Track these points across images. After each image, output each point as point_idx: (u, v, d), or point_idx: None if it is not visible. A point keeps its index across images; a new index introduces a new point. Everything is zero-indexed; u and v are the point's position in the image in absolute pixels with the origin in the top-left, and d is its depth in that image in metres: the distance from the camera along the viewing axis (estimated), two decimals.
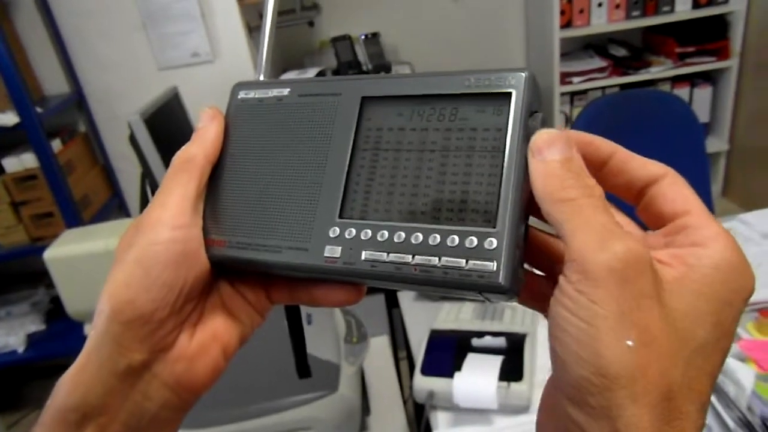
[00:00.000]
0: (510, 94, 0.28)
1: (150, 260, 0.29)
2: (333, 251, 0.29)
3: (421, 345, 1.05)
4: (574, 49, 2.80)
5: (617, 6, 2.54)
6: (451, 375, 0.94)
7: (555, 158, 0.26)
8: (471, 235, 0.26)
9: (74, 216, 1.99)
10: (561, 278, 0.24)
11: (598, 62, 2.67)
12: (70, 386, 0.29)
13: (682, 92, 2.68)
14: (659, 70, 2.60)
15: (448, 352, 1.00)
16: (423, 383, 0.96)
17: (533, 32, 2.80)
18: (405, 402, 1.22)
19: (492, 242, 0.26)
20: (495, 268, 0.25)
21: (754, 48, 2.54)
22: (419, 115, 0.30)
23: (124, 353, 0.28)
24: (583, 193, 0.25)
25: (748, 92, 2.61)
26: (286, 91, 0.34)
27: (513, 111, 0.27)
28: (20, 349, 2.10)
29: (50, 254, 1.46)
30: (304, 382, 0.91)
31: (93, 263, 1.43)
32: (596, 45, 2.79)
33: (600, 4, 2.54)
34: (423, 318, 1.16)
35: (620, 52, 2.70)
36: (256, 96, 0.35)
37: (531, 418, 0.91)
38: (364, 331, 1.10)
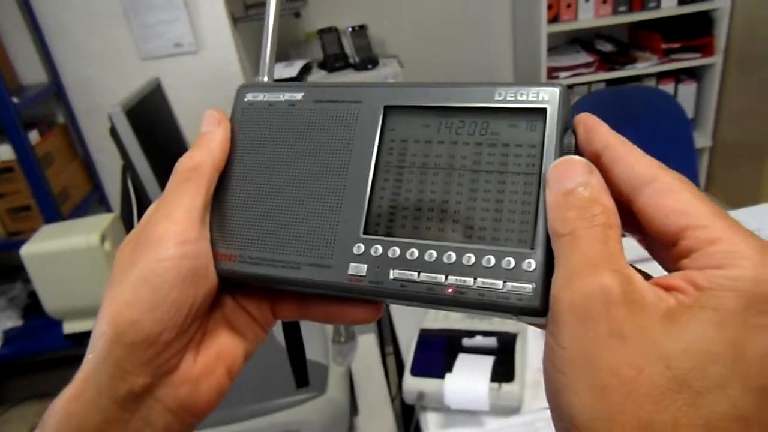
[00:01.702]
0: (545, 110, 0.27)
1: (157, 278, 0.27)
2: (358, 269, 0.28)
3: (409, 343, 1.04)
4: (560, 43, 2.80)
5: (604, 1, 2.54)
6: (441, 375, 0.93)
7: (563, 189, 0.24)
8: (508, 256, 0.25)
9: (52, 210, 1.94)
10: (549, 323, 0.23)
11: (585, 57, 2.67)
12: (62, 415, 0.27)
13: (667, 88, 2.69)
14: (645, 65, 2.61)
15: (438, 352, 0.99)
16: (413, 384, 0.95)
17: (520, 26, 2.79)
18: (392, 400, 1.21)
19: (531, 264, 0.25)
20: (533, 291, 0.25)
21: (738, 45, 2.55)
22: (447, 127, 0.29)
23: (126, 377, 0.26)
24: (584, 224, 0.22)
25: (732, 89, 2.63)
26: (299, 96, 0.32)
27: (548, 127, 0.27)
28: None
29: (27, 250, 1.42)
30: (291, 383, 0.89)
31: (72, 260, 1.40)
32: (583, 40, 2.79)
33: None
34: (411, 316, 1.15)
35: (607, 47, 2.70)
36: (266, 99, 0.33)
37: (522, 420, 0.90)
38: (352, 331, 1.09)
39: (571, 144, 0.26)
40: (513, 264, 0.25)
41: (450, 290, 0.26)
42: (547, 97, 0.27)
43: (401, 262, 0.27)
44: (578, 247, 0.22)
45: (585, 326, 0.20)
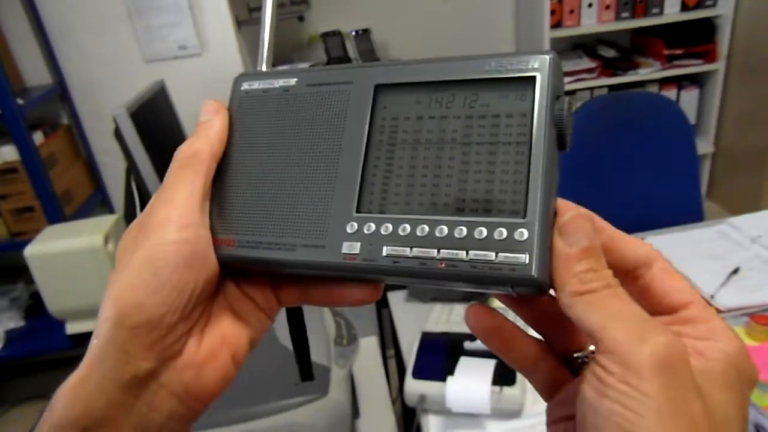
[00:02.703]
0: (534, 78, 0.26)
1: (159, 261, 0.27)
2: (352, 248, 0.28)
3: (411, 346, 1.04)
4: (563, 49, 2.80)
5: (607, 7, 2.55)
6: (443, 378, 0.93)
7: (581, 245, 0.25)
8: (500, 227, 0.25)
9: (56, 211, 1.95)
10: (598, 369, 0.23)
11: (587, 63, 2.67)
12: (69, 399, 0.27)
13: (670, 94, 2.70)
14: (647, 71, 2.62)
15: (439, 355, 0.99)
16: (414, 387, 0.95)
17: (523, 31, 2.80)
18: (394, 403, 1.21)
19: (523, 233, 0.25)
20: (527, 261, 0.24)
21: (741, 51, 2.56)
22: (438, 102, 0.28)
23: (131, 361, 0.27)
24: (606, 284, 0.24)
25: (734, 95, 2.63)
26: (293, 81, 0.32)
27: (538, 95, 0.26)
28: None
29: (31, 251, 1.43)
30: (293, 385, 0.89)
31: (75, 261, 1.40)
32: (585, 45, 2.80)
33: (590, 5, 2.54)
34: (413, 319, 1.15)
35: (609, 53, 2.70)
36: (261, 87, 0.33)
37: (523, 423, 0.91)
38: (354, 333, 1.09)
39: (562, 112, 0.26)
40: (505, 234, 0.25)
41: (442, 264, 0.26)
42: (537, 64, 0.26)
43: (394, 238, 0.27)
44: (613, 305, 0.24)
45: (671, 379, 0.22)
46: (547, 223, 0.25)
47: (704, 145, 2.74)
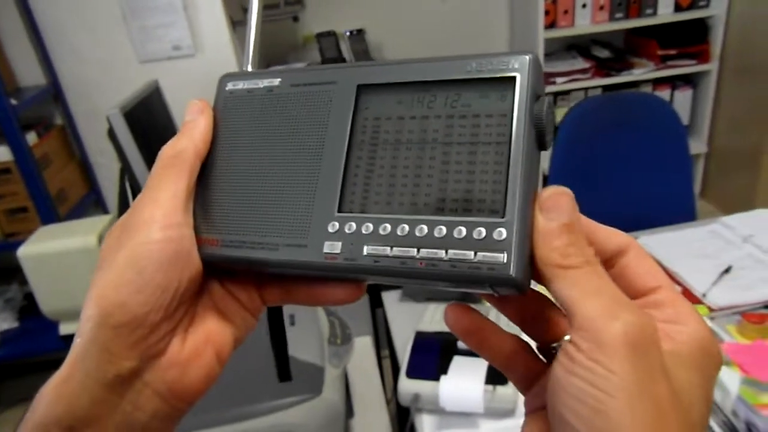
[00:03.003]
0: (514, 78, 0.27)
1: (143, 261, 0.27)
2: (333, 247, 0.28)
3: (405, 346, 1.04)
4: (557, 49, 2.81)
5: (601, 7, 2.56)
6: (436, 378, 0.93)
7: (561, 221, 0.25)
8: (479, 226, 0.25)
9: (49, 211, 1.94)
10: (569, 346, 0.23)
11: (582, 63, 2.68)
12: (52, 397, 0.27)
13: (663, 94, 2.71)
14: (641, 72, 2.63)
15: (433, 354, 1.00)
16: (408, 386, 0.95)
17: (518, 32, 2.81)
18: (388, 403, 1.21)
19: (501, 233, 0.25)
20: (505, 260, 0.24)
21: (734, 52, 2.57)
22: (419, 102, 0.29)
23: (114, 361, 0.27)
24: (586, 260, 0.25)
25: (727, 95, 2.65)
26: (277, 81, 0.32)
27: (518, 95, 0.26)
28: None
29: (25, 251, 1.42)
30: (286, 384, 0.89)
31: (69, 261, 1.40)
32: (579, 46, 2.81)
33: (584, 5, 2.55)
34: (407, 318, 1.15)
35: (603, 53, 2.72)
36: (246, 87, 0.33)
37: (517, 422, 0.91)
38: (349, 333, 1.09)
39: (541, 112, 0.26)
40: (484, 234, 0.25)
41: (422, 263, 0.26)
42: (517, 65, 0.27)
43: (374, 238, 0.27)
44: (590, 281, 0.24)
45: (639, 358, 0.22)
46: (526, 222, 0.25)
47: (697, 145, 2.75)
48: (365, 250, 0.27)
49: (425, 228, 0.26)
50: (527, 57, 0.27)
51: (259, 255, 0.30)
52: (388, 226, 0.27)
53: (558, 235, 0.25)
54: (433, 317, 1.11)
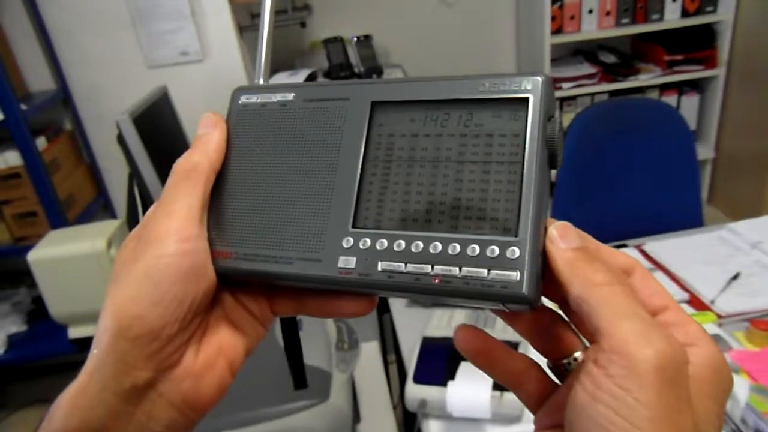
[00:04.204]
0: (527, 99, 0.27)
1: (159, 274, 0.28)
2: (347, 262, 0.28)
3: (412, 351, 1.04)
4: (563, 54, 2.81)
5: (607, 13, 2.56)
6: (443, 383, 0.93)
7: (576, 245, 0.26)
8: (492, 245, 0.26)
9: (58, 216, 1.95)
10: (594, 369, 0.23)
11: (588, 68, 2.68)
12: (68, 409, 0.27)
13: (670, 100, 2.70)
14: (648, 77, 2.62)
15: (440, 359, 1.00)
16: (415, 391, 0.95)
17: (524, 37, 2.81)
18: (394, 407, 1.21)
19: (514, 251, 0.25)
20: (518, 278, 0.25)
21: (741, 57, 2.56)
22: (433, 120, 0.29)
23: (129, 372, 0.27)
24: (616, 278, 0.25)
25: (734, 101, 2.64)
26: (290, 96, 0.33)
27: (531, 116, 0.27)
28: (1, 351, 2.05)
29: (34, 256, 1.43)
30: (293, 389, 0.89)
31: (78, 266, 1.40)
32: (586, 51, 2.81)
33: (591, 11, 2.55)
34: (414, 324, 1.15)
35: (609, 58, 2.71)
36: (259, 101, 0.34)
37: (524, 428, 0.91)
38: (356, 338, 1.09)
39: (554, 132, 0.27)
40: (497, 252, 0.25)
41: (436, 280, 0.26)
42: (530, 86, 0.27)
43: (389, 254, 0.28)
44: (623, 301, 0.24)
45: (669, 390, 0.22)
46: (537, 241, 0.26)
47: (705, 151, 2.74)
48: (380, 265, 0.28)
49: (439, 245, 0.27)
50: (540, 78, 0.27)
51: (273, 268, 0.30)
52: (403, 243, 0.28)
53: (585, 258, 0.25)
54: (440, 322, 1.11)
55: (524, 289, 0.25)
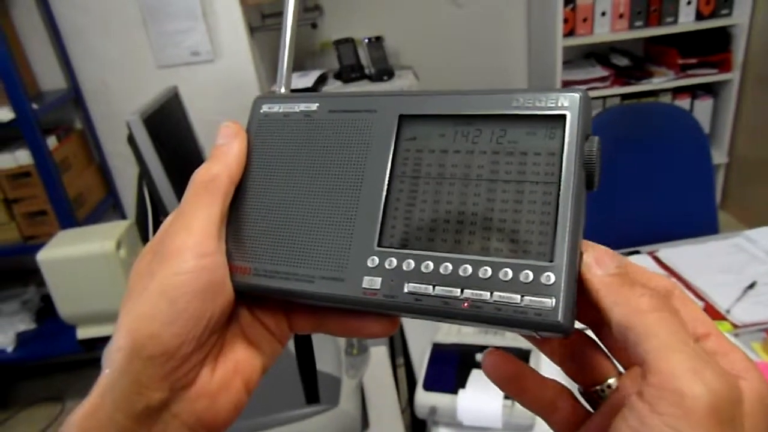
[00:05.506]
0: (564, 116, 0.26)
1: (176, 291, 0.27)
2: (372, 282, 0.27)
3: (421, 356, 1.03)
4: (576, 57, 2.79)
5: (621, 15, 2.54)
6: (454, 391, 0.92)
7: (613, 271, 0.24)
8: (526, 269, 0.24)
9: (68, 215, 1.96)
10: (638, 404, 0.22)
11: (600, 71, 2.66)
12: (79, 430, 0.26)
13: (683, 104, 2.68)
14: (661, 80, 2.60)
15: (450, 366, 0.98)
16: (425, 398, 0.94)
17: (536, 39, 2.79)
18: (403, 413, 1.20)
19: (550, 277, 0.24)
20: (553, 305, 0.24)
21: (756, 61, 2.54)
22: (463, 136, 0.28)
23: (143, 392, 0.26)
24: (663, 304, 0.23)
25: (748, 105, 2.61)
26: (314, 106, 0.32)
27: (568, 134, 0.25)
28: (9, 348, 2.06)
29: (44, 255, 1.43)
30: (303, 396, 0.89)
31: (88, 266, 1.41)
32: (598, 54, 2.79)
33: (603, 14, 2.53)
34: (423, 329, 1.14)
35: (622, 61, 2.69)
36: (281, 110, 0.32)
37: None
38: (365, 343, 1.08)
39: (592, 152, 0.25)
40: (531, 277, 0.24)
41: (466, 304, 0.25)
42: (567, 103, 0.26)
43: (416, 275, 0.26)
44: (672, 330, 0.22)
45: (724, 430, 0.20)
46: (574, 267, 0.24)
47: (718, 155, 2.71)
48: (406, 287, 0.26)
49: (469, 268, 0.25)
50: (578, 95, 0.26)
51: (294, 286, 0.29)
52: (431, 264, 0.26)
53: (626, 283, 0.24)
54: (450, 329, 1.09)
55: (560, 317, 0.23)
